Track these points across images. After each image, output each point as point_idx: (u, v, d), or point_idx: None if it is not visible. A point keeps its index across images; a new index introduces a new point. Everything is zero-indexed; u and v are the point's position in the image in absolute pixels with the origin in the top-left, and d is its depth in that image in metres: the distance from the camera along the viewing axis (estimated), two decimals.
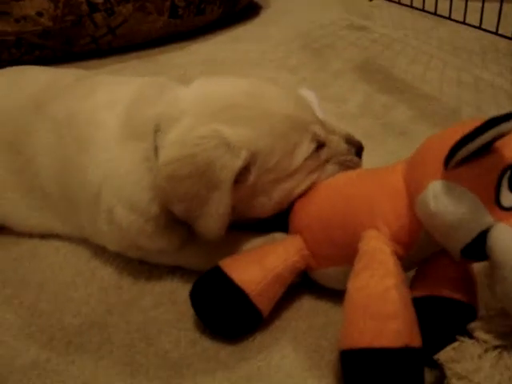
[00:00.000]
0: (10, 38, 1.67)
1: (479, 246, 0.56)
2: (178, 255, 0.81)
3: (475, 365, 0.57)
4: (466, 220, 0.55)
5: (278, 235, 0.77)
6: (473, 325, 0.60)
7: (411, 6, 1.81)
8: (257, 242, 0.78)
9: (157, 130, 0.73)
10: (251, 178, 0.71)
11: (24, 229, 0.92)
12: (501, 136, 0.54)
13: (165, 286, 0.81)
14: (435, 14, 1.70)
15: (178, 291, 0.80)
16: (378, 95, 1.42)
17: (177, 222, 0.76)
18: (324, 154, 0.77)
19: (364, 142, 1.08)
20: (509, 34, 1.50)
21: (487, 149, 0.56)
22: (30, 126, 0.87)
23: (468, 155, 0.55)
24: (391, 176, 0.66)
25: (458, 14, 1.63)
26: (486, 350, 0.58)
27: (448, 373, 0.59)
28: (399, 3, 1.86)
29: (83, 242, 0.90)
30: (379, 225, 0.63)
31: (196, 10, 1.85)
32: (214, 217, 0.69)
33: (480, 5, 1.47)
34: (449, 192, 0.56)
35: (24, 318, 0.77)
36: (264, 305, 0.69)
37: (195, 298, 0.71)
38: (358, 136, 1.02)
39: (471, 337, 0.60)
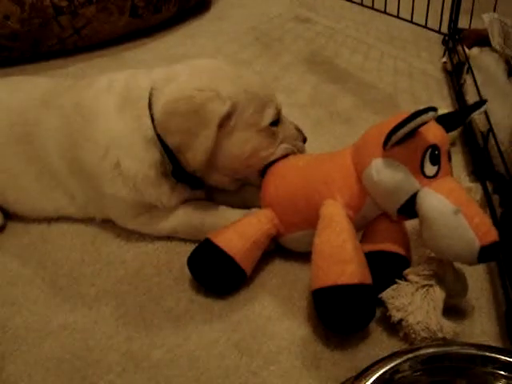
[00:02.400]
0: None
1: (410, 207, 0.77)
2: (173, 218, 0.98)
3: (409, 299, 0.78)
4: (400, 186, 0.77)
5: (255, 209, 0.96)
6: (407, 271, 0.82)
7: (351, 1, 2.00)
8: (239, 214, 0.97)
9: (152, 91, 0.92)
10: (231, 123, 0.90)
11: (34, 213, 1.07)
12: (423, 124, 0.74)
13: (162, 258, 0.98)
14: (372, 8, 1.90)
15: (173, 261, 0.97)
16: (325, 85, 1.61)
17: (174, 181, 0.95)
18: (279, 132, 0.97)
19: (314, 129, 1.29)
20: (437, 25, 1.71)
21: (413, 133, 0.76)
22: (38, 118, 1.02)
23: (400, 138, 0.75)
24: (342, 158, 0.86)
25: (392, 6, 1.83)
26: (417, 289, 0.79)
27: (389, 307, 0.80)
28: None
29: (87, 224, 1.06)
30: (335, 195, 0.83)
31: (154, 8, 1.98)
32: (200, 150, 0.87)
33: None
34: (387, 166, 0.77)
35: (47, 291, 0.93)
36: (246, 266, 0.88)
37: (192, 263, 0.89)
38: (309, 123, 1.24)
39: (406, 280, 0.81)
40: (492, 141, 1.08)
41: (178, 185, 0.97)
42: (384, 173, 0.77)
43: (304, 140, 1.06)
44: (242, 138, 0.92)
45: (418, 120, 0.73)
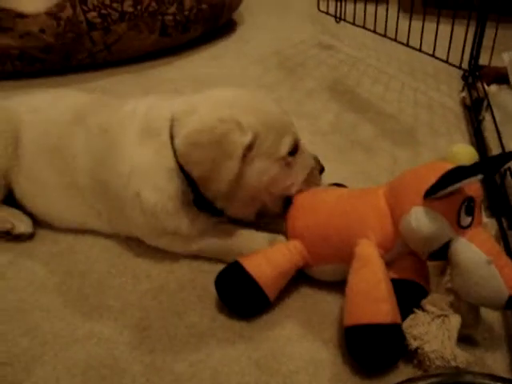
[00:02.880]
0: (14, 52, 1.82)
1: (442, 252, 0.82)
2: (198, 242, 1.02)
3: (426, 329, 0.81)
4: (436, 235, 0.81)
5: (280, 237, 1.00)
6: (424, 301, 0.85)
7: (374, 31, 2.05)
8: (262, 238, 1.01)
9: (172, 123, 0.96)
10: (252, 153, 0.93)
11: (62, 224, 1.12)
12: None
13: (186, 275, 1.02)
14: (395, 40, 1.95)
15: (197, 279, 1.01)
16: (347, 114, 1.65)
17: (195, 210, 0.98)
18: (297, 162, 1.00)
19: (335, 157, 1.33)
20: (457, 60, 1.75)
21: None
22: (71, 134, 1.07)
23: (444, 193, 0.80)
24: (376, 198, 0.90)
25: (415, 38, 1.88)
26: (433, 319, 0.83)
27: (407, 336, 0.83)
28: (364, 27, 2.10)
29: (113, 239, 1.10)
30: (369, 234, 0.86)
31: (182, 28, 2.04)
32: (224, 181, 0.89)
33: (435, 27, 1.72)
34: (426, 215, 0.81)
35: (74, 300, 0.97)
36: (271, 293, 0.91)
37: (219, 283, 0.92)
38: (330, 151, 1.27)
39: (423, 309, 0.84)
40: (509, 177, 1.11)
41: (201, 214, 1.00)
42: (423, 221, 0.81)
43: (321, 170, 1.09)
44: (262, 167, 0.95)
45: (467, 182, 0.78)
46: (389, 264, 0.88)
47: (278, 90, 1.81)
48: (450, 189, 0.77)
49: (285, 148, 0.97)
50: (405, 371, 0.83)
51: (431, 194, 0.79)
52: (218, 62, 2.05)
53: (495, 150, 1.24)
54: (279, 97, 1.75)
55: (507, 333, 0.91)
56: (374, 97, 1.78)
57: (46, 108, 1.14)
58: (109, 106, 1.10)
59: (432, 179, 0.80)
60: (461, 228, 0.80)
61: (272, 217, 1.07)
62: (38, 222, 1.13)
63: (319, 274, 0.97)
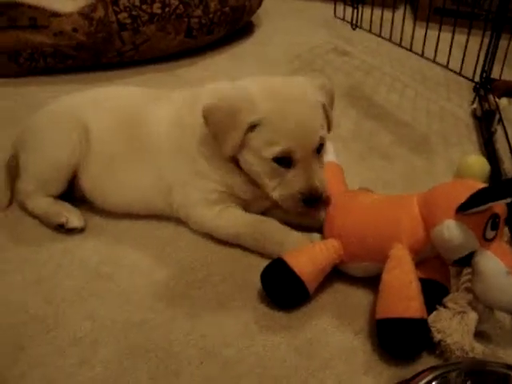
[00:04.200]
0: (48, 49, 1.91)
1: (466, 260, 0.93)
2: (243, 220, 1.16)
3: (448, 323, 0.92)
4: (464, 245, 0.92)
5: (315, 235, 1.11)
6: (446, 299, 0.96)
7: (390, 40, 2.15)
8: (300, 237, 1.12)
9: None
10: (253, 134, 1.06)
11: (125, 207, 1.23)
12: None
13: (226, 268, 1.12)
14: (410, 50, 2.05)
15: (237, 271, 1.11)
16: (364, 121, 1.76)
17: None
18: (287, 176, 1.07)
19: (356, 163, 1.43)
20: (468, 71, 1.86)
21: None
22: (148, 109, 1.22)
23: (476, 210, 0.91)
24: (411, 206, 1.00)
25: (428, 44, 1.98)
26: (454, 315, 0.93)
27: (432, 329, 0.93)
28: (380, 36, 2.20)
29: (159, 232, 1.20)
30: (402, 238, 0.97)
31: (207, 30, 2.13)
32: (228, 146, 1.07)
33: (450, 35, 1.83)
34: (457, 228, 0.91)
35: (126, 288, 1.07)
36: (311, 287, 1.02)
37: (264, 278, 1.02)
38: (350, 157, 1.36)
39: (445, 306, 0.95)
40: None
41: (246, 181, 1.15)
42: (454, 233, 0.92)
43: (315, 199, 1.07)
44: (250, 156, 1.09)
45: (496, 203, 0.89)
46: (416, 265, 0.99)
47: None
48: (482, 207, 0.89)
49: (271, 152, 1.06)
50: (427, 359, 0.94)
51: (463, 209, 0.90)
52: (239, 63, 2.14)
53: (507, 162, 1.34)
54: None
55: None
56: (390, 104, 1.88)
57: (111, 96, 1.29)
58: (181, 90, 1.28)
59: (463, 196, 0.91)
60: (485, 241, 0.91)
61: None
62: (88, 215, 1.23)
63: (352, 271, 1.07)
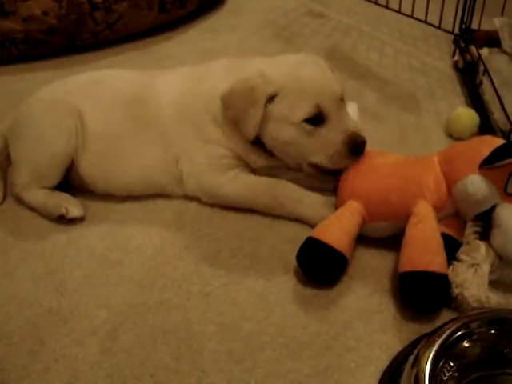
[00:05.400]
0: (19, 36, 1.85)
1: (487, 214, 0.95)
2: (256, 181, 1.17)
3: (464, 276, 0.94)
4: (487, 198, 0.95)
5: (332, 199, 1.14)
6: (458, 253, 0.98)
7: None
8: (315, 196, 1.14)
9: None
10: (270, 107, 1.08)
11: (127, 189, 1.22)
12: None
13: (235, 243, 1.12)
14: (386, 7, 2.04)
15: (245, 246, 1.12)
16: (349, 81, 1.75)
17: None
18: (322, 133, 1.09)
19: None
20: (445, 24, 1.85)
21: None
22: (152, 83, 1.22)
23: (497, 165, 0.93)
24: (432, 165, 1.02)
25: (405, 4, 1.97)
26: (468, 267, 0.95)
27: (452, 285, 0.95)
28: None
29: (159, 214, 1.19)
30: (426, 195, 0.99)
31: (180, 3, 2.09)
32: (250, 124, 1.08)
33: None
34: (481, 182, 0.95)
35: (138, 272, 1.06)
36: (349, 256, 1.02)
37: (302, 259, 1.02)
38: None
39: (458, 260, 0.97)
40: None
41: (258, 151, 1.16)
42: (477, 187, 0.94)
43: (359, 148, 1.09)
44: (277, 126, 1.09)
45: None
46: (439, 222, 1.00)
47: None
48: (505, 161, 0.91)
49: (301, 114, 1.07)
50: (443, 313, 0.96)
51: (487, 164, 0.93)
52: (215, 36, 2.10)
53: (497, 112, 1.35)
54: None
55: None
56: (371, 63, 1.88)
57: (104, 77, 1.28)
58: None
59: (485, 151, 0.94)
60: (507, 195, 0.94)
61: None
62: (87, 203, 1.22)
63: (368, 231, 1.07)
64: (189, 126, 1.16)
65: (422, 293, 0.93)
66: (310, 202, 1.13)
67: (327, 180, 1.16)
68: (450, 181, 0.99)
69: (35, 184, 1.18)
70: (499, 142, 0.96)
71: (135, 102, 1.19)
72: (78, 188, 1.25)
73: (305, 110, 1.07)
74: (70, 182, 1.24)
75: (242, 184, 1.15)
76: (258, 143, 1.15)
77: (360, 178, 1.08)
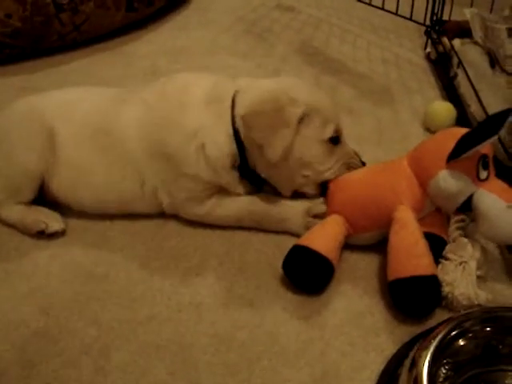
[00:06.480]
0: None
1: (467, 205, 0.96)
2: (240, 204, 1.13)
3: (453, 275, 0.95)
4: (462, 191, 0.94)
5: (318, 200, 1.13)
6: (445, 251, 0.99)
7: None
8: (301, 205, 1.12)
9: (236, 94, 1.08)
10: (301, 128, 1.05)
11: (101, 208, 1.18)
12: None
13: (221, 250, 1.11)
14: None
15: (232, 252, 1.10)
16: (323, 77, 1.75)
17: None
18: (338, 151, 1.11)
19: None
20: (421, 15, 1.86)
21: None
22: (117, 112, 1.14)
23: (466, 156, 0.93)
24: (402, 168, 1.01)
25: None
26: (456, 266, 0.96)
27: (442, 284, 0.96)
28: None
29: (143, 224, 1.17)
30: (402, 200, 0.98)
31: (147, 1, 2.05)
32: (279, 146, 1.02)
33: None
34: (452, 176, 0.94)
35: (125, 286, 1.04)
36: (336, 263, 1.02)
37: (288, 267, 1.01)
38: None
39: (445, 258, 0.98)
40: None
41: (243, 180, 1.12)
42: (449, 181, 0.94)
43: (362, 163, 1.16)
44: (306, 144, 1.07)
45: (485, 143, 0.91)
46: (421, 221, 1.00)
47: (253, 58, 1.87)
48: (472, 151, 0.91)
49: (328, 132, 1.08)
50: (434, 314, 0.97)
51: (453, 157, 0.93)
52: (185, 33, 2.07)
53: (474, 105, 1.37)
54: (256, 65, 1.82)
55: (508, 269, 1.06)
56: (344, 57, 1.88)
57: (79, 98, 1.21)
58: (154, 84, 1.18)
59: (450, 144, 0.93)
60: (480, 181, 0.95)
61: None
62: (66, 216, 1.19)
63: (357, 241, 1.08)
64: (162, 160, 1.10)
65: (414, 298, 0.93)
66: (291, 218, 1.12)
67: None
68: (423, 180, 0.99)
69: (11, 199, 1.15)
70: (463, 131, 0.95)
71: (102, 133, 1.14)
72: (53, 203, 1.21)
73: (331, 129, 1.08)
74: (46, 197, 1.20)
75: (223, 211, 1.13)
76: (244, 174, 1.12)
77: (339, 192, 1.09)
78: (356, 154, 1.16)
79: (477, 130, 0.94)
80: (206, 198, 1.13)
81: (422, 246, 0.95)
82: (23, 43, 1.85)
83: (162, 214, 1.19)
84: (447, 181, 0.94)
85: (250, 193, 1.15)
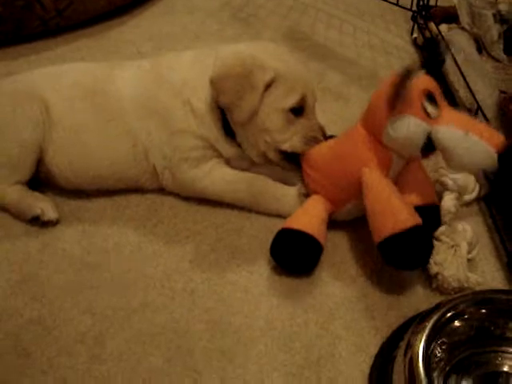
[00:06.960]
0: None
1: (429, 145, 0.95)
2: (229, 176, 1.15)
3: (444, 256, 0.96)
4: (415, 133, 0.94)
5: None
6: (437, 233, 1.00)
7: None
8: (293, 190, 1.14)
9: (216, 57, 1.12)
10: (268, 92, 1.07)
11: (97, 182, 1.18)
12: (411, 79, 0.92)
13: (213, 236, 1.12)
14: None
15: (224, 238, 1.11)
16: (311, 63, 1.73)
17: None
18: (299, 123, 1.11)
19: None
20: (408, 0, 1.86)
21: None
22: (111, 76, 1.19)
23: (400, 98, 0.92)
24: (358, 133, 1.02)
25: None
26: (447, 248, 0.98)
27: (430, 262, 0.98)
28: None
29: (134, 210, 1.16)
30: (368, 163, 0.98)
31: None
32: (245, 109, 1.06)
33: None
34: (399, 121, 0.94)
35: (118, 275, 1.04)
36: (323, 241, 1.02)
37: (276, 250, 1.02)
38: None
39: (437, 240, 0.99)
40: (480, 118, 1.26)
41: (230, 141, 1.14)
42: (399, 128, 0.94)
43: (325, 137, 1.15)
44: (266, 113, 1.08)
45: (412, 80, 0.91)
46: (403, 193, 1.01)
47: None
48: (403, 92, 0.91)
49: (290, 102, 1.08)
50: (425, 295, 0.99)
51: (394, 104, 0.92)
52: (171, 18, 2.04)
53: (462, 90, 1.38)
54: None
55: (497, 253, 1.08)
56: (331, 42, 1.87)
57: (66, 69, 1.25)
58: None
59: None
60: (432, 118, 0.94)
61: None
62: (58, 204, 1.17)
63: (341, 216, 1.09)
64: (153, 118, 1.13)
65: (402, 254, 0.94)
66: (286, 198, 1.13)
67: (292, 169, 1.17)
68: (378, 135, 0.98)
69: (8, 179, 1.14)
70: (392, 79, 0.93)
71: (94, 94, 1.17)
72: (47, 185, 1.20)
73: (295, 99, 1.09)
74: (40, 177, 1.19)
75: (219, 178, 1.14)
76: (227, 132, 1.14)
77: (312, 172, 1.10)
78: (322, 128, 1.15)
79: (405, 71, 0.91)
80: (200, 161, 1.13)
81: (395, 201, 0.95)
82: (4, 28, 1.80)
83: (153, 200, 1.19)
84: (396, 128, 0.94)
85: (239, 158, 1.17)
